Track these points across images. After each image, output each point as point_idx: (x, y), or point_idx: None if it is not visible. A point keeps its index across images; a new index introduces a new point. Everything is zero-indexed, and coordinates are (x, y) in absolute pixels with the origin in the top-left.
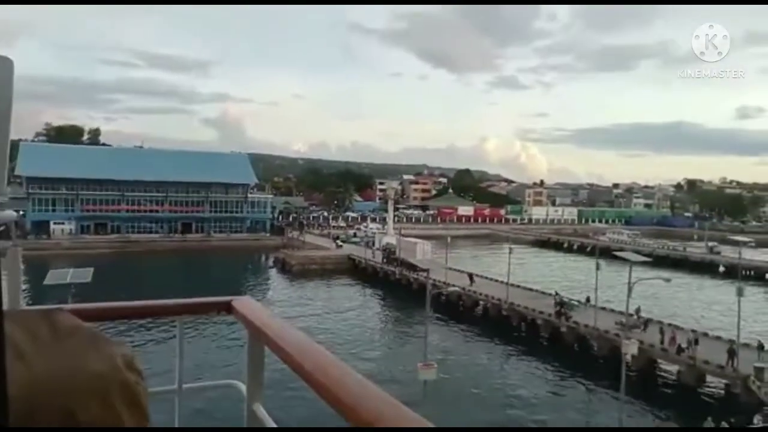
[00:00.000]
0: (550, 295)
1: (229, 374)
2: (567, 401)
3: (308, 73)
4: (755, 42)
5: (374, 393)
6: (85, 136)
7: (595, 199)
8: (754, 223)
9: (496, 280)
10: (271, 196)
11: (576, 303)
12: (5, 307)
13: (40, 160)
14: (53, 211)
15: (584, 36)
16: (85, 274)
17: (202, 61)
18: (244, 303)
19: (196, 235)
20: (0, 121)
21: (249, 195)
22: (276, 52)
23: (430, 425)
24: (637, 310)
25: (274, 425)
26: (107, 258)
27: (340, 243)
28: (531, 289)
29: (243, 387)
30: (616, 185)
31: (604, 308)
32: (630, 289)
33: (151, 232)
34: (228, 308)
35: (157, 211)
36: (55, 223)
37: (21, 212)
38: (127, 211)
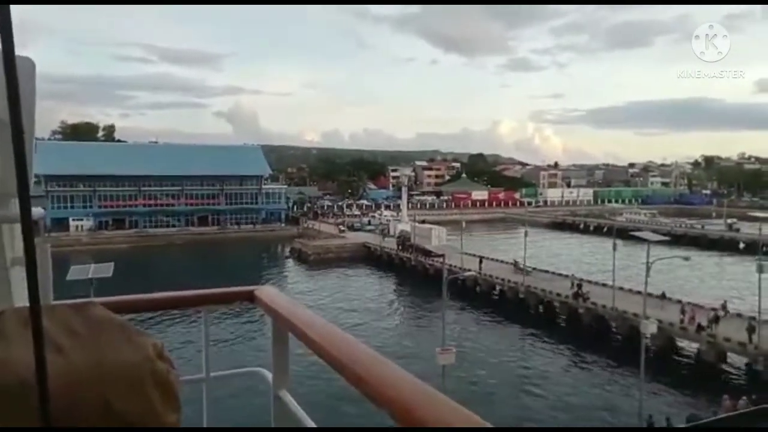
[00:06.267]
0: (566, 277)
1: (256, 362)
2: (587, 382)
3: (319, 63)
4: None
5: (402, 377)
6: (100, 133)
7: (611, 179)
8: None
9: (511, 263)
10: (285, 186)
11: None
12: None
13: (57, 158)
14: (72, 207)
15: (598, 13)
16: (106, 269)
17: (213, 54)
18: (266, 292)
19: (212, 227)
20: (25, 122)
21: (263, 186)
22: (286, 42)
23: (464, 411)
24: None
25: (300, 410)
26: (126, 252)
27: (344, 228)
28: (546, 271)
29: (269, 374)
30: (632, 164)
31: (621, 288)
32: (648, 269)
33: (168, 226)
34: (251, 297)
35: (173, 205)
36: (73, 220)
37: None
38: (144, 205)
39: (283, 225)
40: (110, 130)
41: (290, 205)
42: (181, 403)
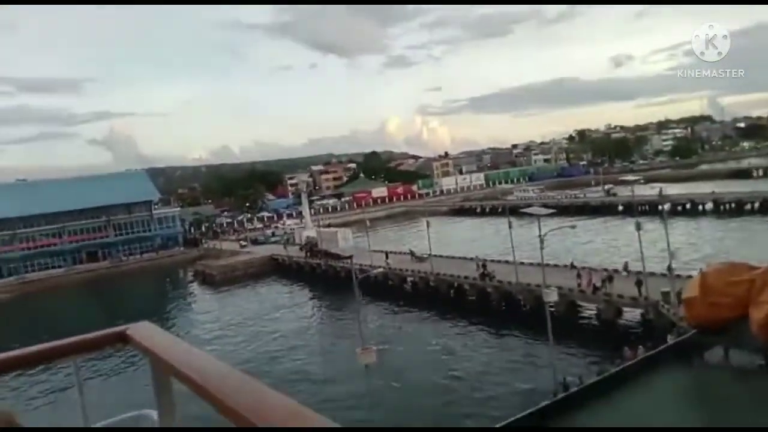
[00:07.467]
0: (471, 259)
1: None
2: (504, 357)
3: (195, 78)
4: None
5: (289, 407)
6: None
7: (498, 162)
8: (640, 161)
9: (416, 255)
10: (177, 209)
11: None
12: None
13: None
14: None
15: (462, 7)
16: None
17: (73, 79)
18: (141, 330)
19: (104, 262)
20: None
21: (154, 211)
22: (154, 60)
23: None
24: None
25: None
26: (6, 303)
27: (245, 243)
28: (453, 257)
29: (155, 415)
30: (515, 146)
31: (522, 263)
32: (542, 241)
33: (53, 267)
34: (123, 339)
35: (55, 245)
36: None
37: None
38: (22, 249)
39: (181, 249)
40: None
41: (187, 227)
42: None
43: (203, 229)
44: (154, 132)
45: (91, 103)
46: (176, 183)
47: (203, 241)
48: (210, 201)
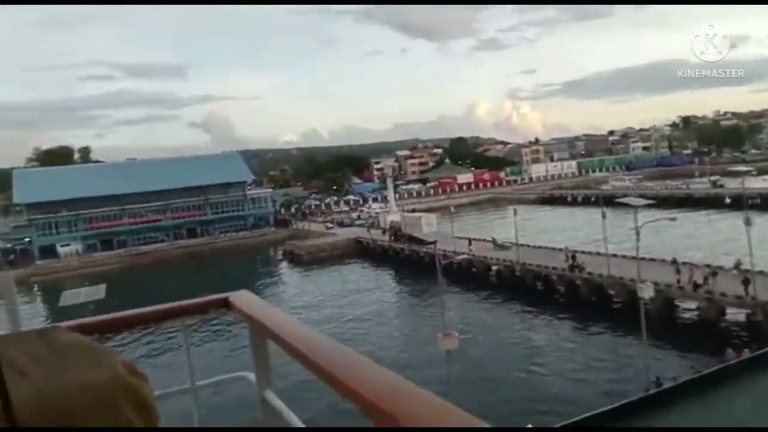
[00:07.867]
0: (560, 250)
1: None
2: (592, 352)
3: (288, 63)
4: None
5: (375, 373)
6: (76, 156)
7: (592, 149)
8: (753, 151)
9: (498, 243)
10: (269, 190)
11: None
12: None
13: (36, 186)
14: (57, 233)
15: None
16: (99, 291)
17: (177, 65)
18: (241, 298)
19: (202, 238)
20: None
21: (247, 192)
22: (250, 47)
23: (460, 415)
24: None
25: (285, 409)
26: (117, 273)
27: (331, 225)
28: (540, 247)
29: (253, 377)
30: (611, 132)
31: (615, 255)
32: (638, 233)
33: (156, 242)
34: (226, 304)
35: (159, 221)
36: (61, 246)
37: (27, 239)
38: (130, 224)
39: (272, 228)
40: (86, 151)
41: (277, 207)
42: (159, 414)
43: (293, 210)
44: (248, 115)
45: (193, 87)
46: (268, 165)
47: (292, 222)
48: (299, 183)
